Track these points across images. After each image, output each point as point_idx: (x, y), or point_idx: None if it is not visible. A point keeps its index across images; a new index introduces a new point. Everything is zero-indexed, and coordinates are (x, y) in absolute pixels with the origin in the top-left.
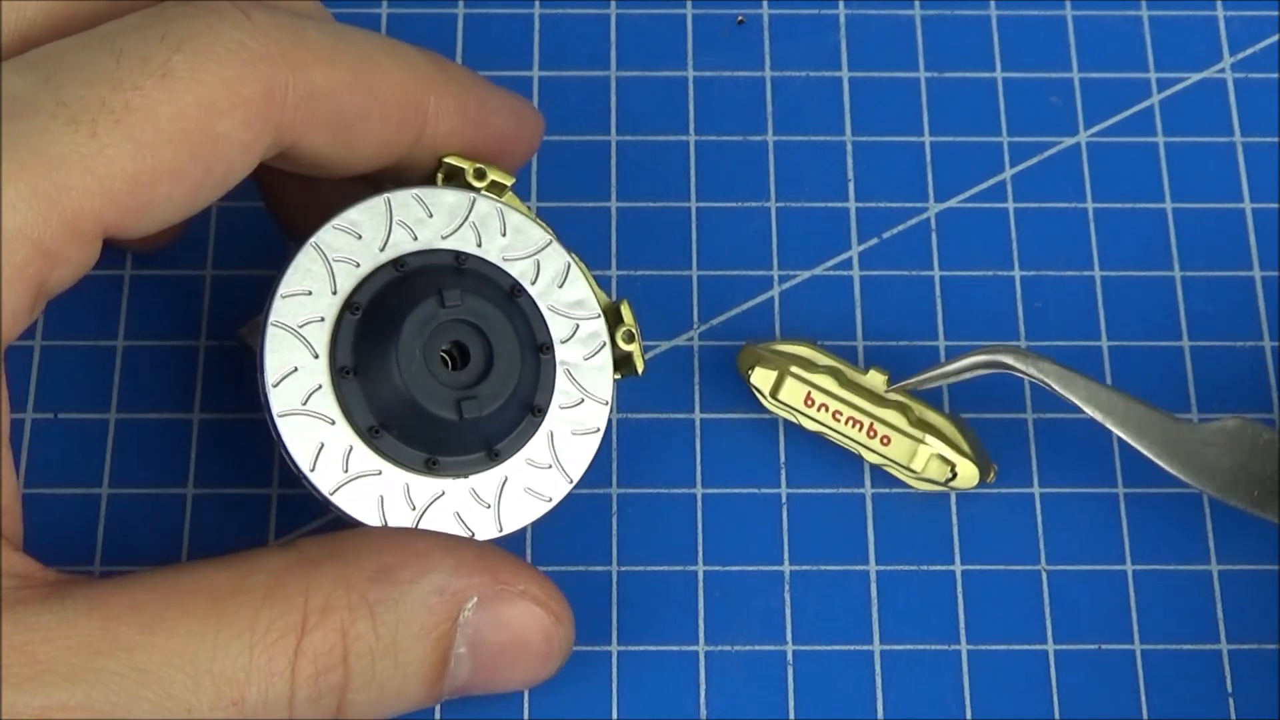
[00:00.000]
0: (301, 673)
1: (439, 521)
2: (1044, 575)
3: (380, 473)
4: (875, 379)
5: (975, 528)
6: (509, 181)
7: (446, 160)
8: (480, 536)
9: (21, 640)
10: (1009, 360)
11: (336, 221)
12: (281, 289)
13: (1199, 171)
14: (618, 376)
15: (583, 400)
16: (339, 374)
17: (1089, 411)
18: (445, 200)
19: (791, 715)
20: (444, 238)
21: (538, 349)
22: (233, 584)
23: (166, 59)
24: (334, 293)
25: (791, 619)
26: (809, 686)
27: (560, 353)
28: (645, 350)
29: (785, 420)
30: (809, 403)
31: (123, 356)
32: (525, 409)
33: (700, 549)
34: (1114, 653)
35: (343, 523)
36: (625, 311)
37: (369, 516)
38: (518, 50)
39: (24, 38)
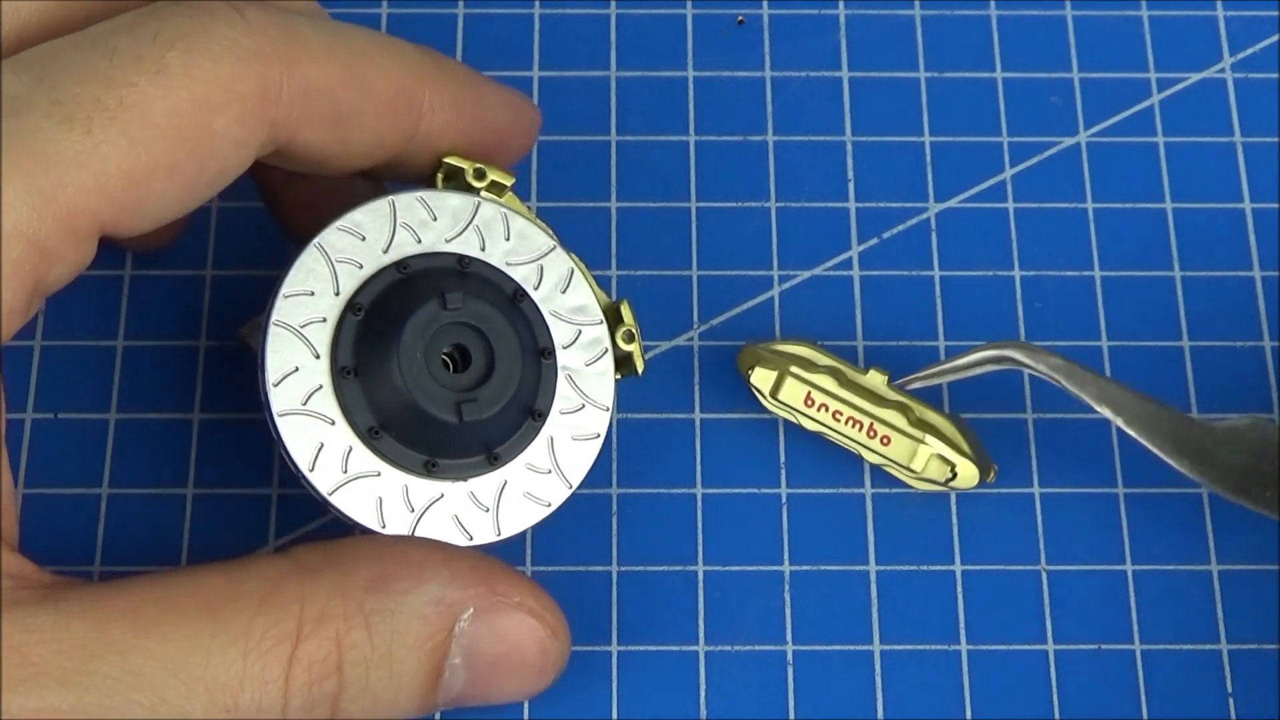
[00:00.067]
0: (295, 680)
1: (437, 524)
2: (1044, 575)
3: (379, 474)
4: (875, 379)
5: (975, 528)
6: (509, 181)
7: (446, 160)
8: (478, 540)
9: (17, 641)
10: (1017, 355)
11: (340, 223)
12: (284, 289)
13: (1199, 171)
14: (618, 377)
15: (583, 406)
16: (340, 374)
17: (1099, 409)
18: (449, 203)
19: (791, 715)
20: (448, 241)
21: (539, 353)
22: (228, 590)
23: (160, 56)
24: (336, 293)
25: (791, 619)
26: (809, 686)
27: (562, 358)
28: (645, 350)
29: (785, 420)
30: (809, 403)
31: (123, 356)
32: (526, 413)
33: (700, 549)
34: (1114, 653)
35: (342, 524)
36: (625, 311)
37: (367, 518)
38: (518, 50)
39: (19, 38)
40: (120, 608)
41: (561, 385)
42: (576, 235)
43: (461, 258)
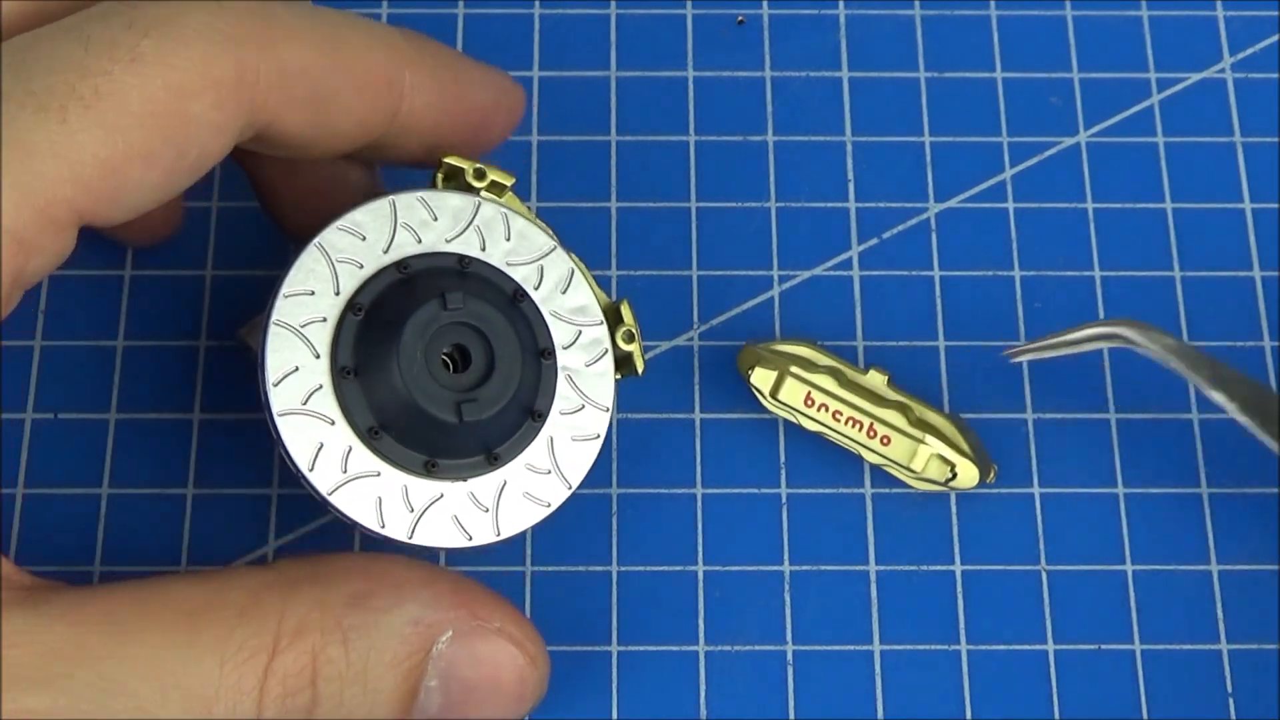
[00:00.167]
0: (269, 693)
1: (437, 524)
2: (1044, 575)
3: (379, 474)
4: (875, 379)
5: (975, 528)
6: (509, 181)
7: (446, 160)
8: (478, 540)
9: None
10: (1130, 334)
11: (341, 222)
12: (284, 289)
13: (1199, 171)
14: (618, 377)
15: (583, 406)
16: (340, 374)
17: (1210, 394)
18: (450, 204)
19: (791, 715)
20: (448, 241)
21: (539, 354)
22: (209, 599)
23: (134, 44)
24: (337, 293)
25: (791, 619)
26: (809, 686)
27: (562, 358)
28: (645, 350)
29: (785, 420)
30: (809, 403)
31: (123, 356)
32: (525, 413)
33: (700, 549)
34: (1114, 653)
35: (342, 523)
36: (625, 311)
37: (367, 518)
38: (518, 50)
39: None
40: (99, 613)
41: (561, 385)
42: (576, 235)
43: (462, 258)
